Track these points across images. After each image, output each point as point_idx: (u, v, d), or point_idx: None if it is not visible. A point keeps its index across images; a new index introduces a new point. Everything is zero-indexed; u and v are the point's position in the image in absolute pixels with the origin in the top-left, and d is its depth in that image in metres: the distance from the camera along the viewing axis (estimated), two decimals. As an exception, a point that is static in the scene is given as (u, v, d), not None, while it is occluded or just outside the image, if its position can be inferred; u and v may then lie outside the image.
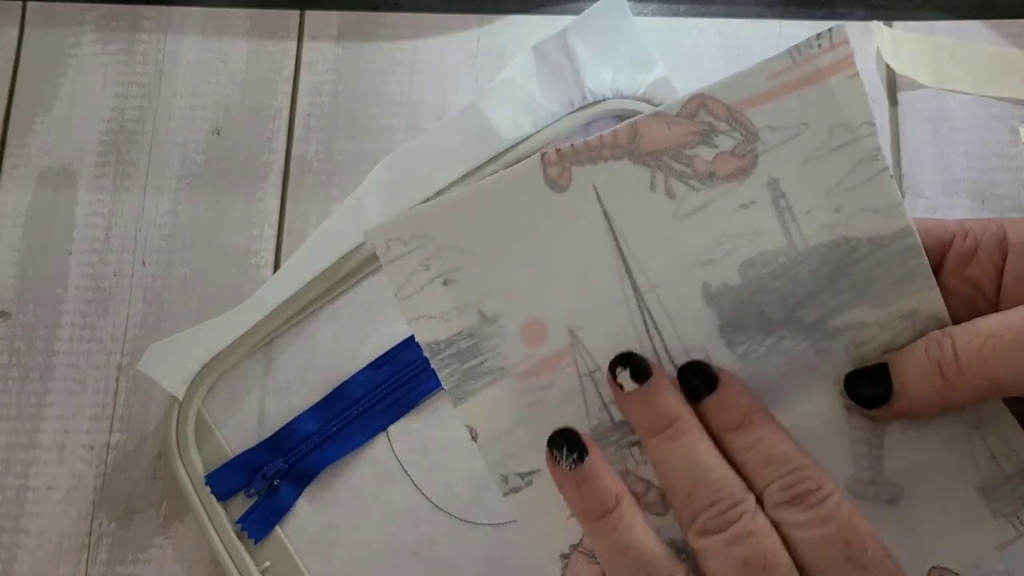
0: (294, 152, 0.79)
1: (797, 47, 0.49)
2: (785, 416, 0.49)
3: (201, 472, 0.71)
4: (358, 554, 0.71)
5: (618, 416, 0.51)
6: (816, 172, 0.50)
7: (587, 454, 0.49)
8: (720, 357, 0.51)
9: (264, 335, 0.73)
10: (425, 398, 0.73)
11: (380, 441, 0.72)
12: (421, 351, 0.51)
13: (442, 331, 0.50)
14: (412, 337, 0.52)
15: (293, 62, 0.81)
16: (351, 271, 0.74)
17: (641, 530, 0.48)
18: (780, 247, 0.50)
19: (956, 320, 0.50)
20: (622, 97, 0.77)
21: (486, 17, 0.81)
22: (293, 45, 0.81)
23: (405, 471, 0.72)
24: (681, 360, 0.50)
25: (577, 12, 0.78)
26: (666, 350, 0.50)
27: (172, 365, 0.72)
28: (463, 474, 0.71)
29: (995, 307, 0.50)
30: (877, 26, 0.79)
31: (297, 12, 0.82)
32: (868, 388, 0.50)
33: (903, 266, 0.50)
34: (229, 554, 0.69)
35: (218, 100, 0.80)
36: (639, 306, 0.50)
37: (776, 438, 0.48)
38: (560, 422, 0.50)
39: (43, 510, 0.72)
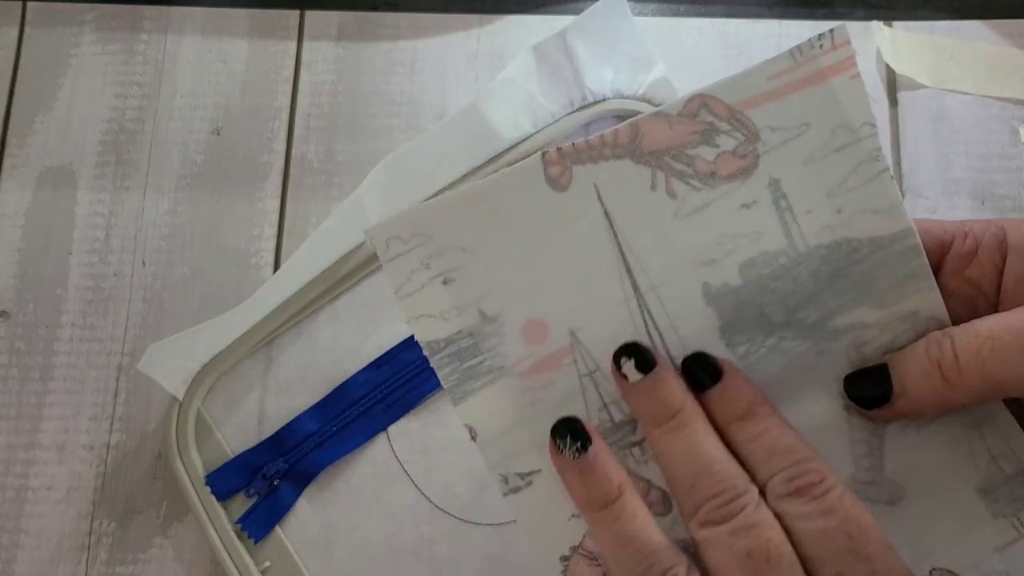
0: (294, 152, 0.79)
1: (799, 47, 0.49)
2: (785, 417, 0.49)
3: (201, 472, 0.71)
4: (358, 554, 0.71)
5: (618, 416, 0.51)
6: (817, 173, 0.50)
7: (590, 443, 0.49)
8: (720, 357, 0.51)
9: (264, 335, 0.73)
10: (425, 398, 0.73)
11: (380, 441, 0.72)
12: (421, 351, 0.51)
13: (442, 330, 0.50)
14: (412, 337, 0.52)
15: (293, 62, 0.81)
16: (351, 271, 0.74)
17: (644, 521, 0.48)
18: (781, 247, 0.50)
19: (956, 321, 0.50)
20: (622, 97, 0.77)
21: (486, 17, 0.81)
22: (293, 45, 0.81)
23: (405, 471, 0.72)
24: (681, 361, 0.50)
25: (577, 12, 0.78)
26: (666, 350, 0.50)
27: (172, 365, 0.72)
28: (463, 474, 0.71)
29: (995, 308, 0.51)
30: (877, 26, 0.79)
31: (297, 12, 0.82)
32: (868, 389, 0.50)
33: (903, 267, 0.50)
34: (229, 554, 0.69)
35: (218, 100, 0.80)
36: (639, 306, 0.50)
37: (779, 430, 0.48)
38: None
39: (43, 510, 0.72)
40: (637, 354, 0.49)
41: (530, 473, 0.51)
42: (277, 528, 0.71)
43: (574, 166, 0.50)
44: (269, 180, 0.78)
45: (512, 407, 0.50)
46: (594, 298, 0.50)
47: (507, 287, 0.50)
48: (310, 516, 0.71)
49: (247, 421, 0.73)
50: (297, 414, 0.73)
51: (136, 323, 0.76)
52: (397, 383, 0.73)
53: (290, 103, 0.80)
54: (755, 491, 0.46)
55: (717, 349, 0.51)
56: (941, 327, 0.50)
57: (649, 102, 0.76)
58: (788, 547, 0.44)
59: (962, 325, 0.49)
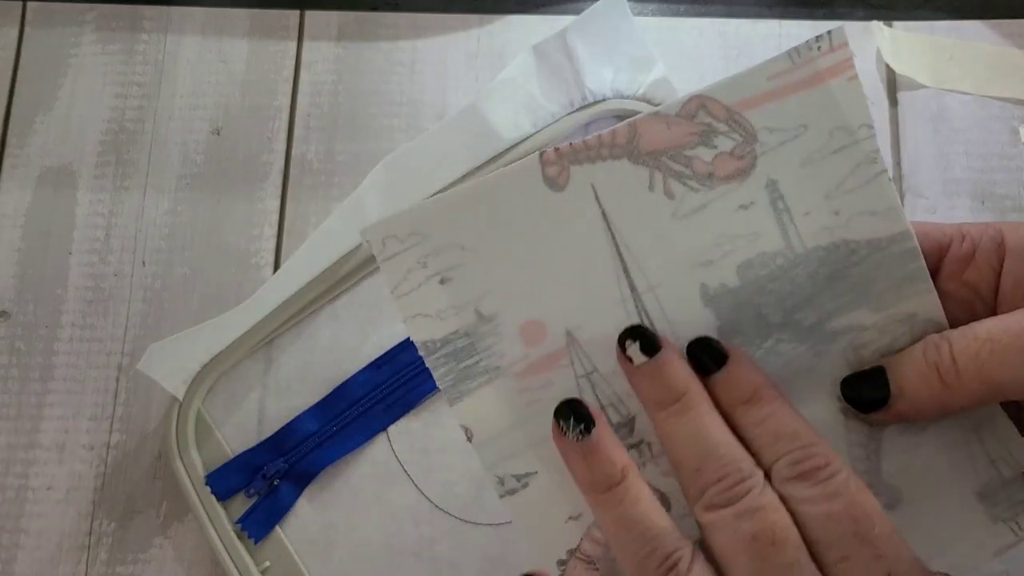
0: (294, 152, 0.79)
1: (797, 49, 0.49)
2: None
3: (201, 472, 0.71)
4: (358, 554, 0.71)
5: (616, 418, 0.51)
6: (815, 174, 0.50)
7: (594, 426, 0.48)
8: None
9: (264, 335, 0.73)
10: (425, 398, 0.73)
11: (380, 441, 0.72)
12: (420, 351, 0.51)
13: (438, 330, 0.50)
14: (412, 337, 0.52)
15: (293, 62, 0.81)
16: (351, 271, 0.74)
17: (648, 504, 0.47)
18: (778, 249, 0.50)
19: (954, 324, 0.50)
20: (622, 97, 0.77)
21: (486, 17, 0.81)
22: (293, 45, 0.81)
23: (405, 471, 0.72)
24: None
25: (577, 12, 0.78)
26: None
27: (172, 365, 0.72)
28: (463, 474, 0.71)
29: (992, 311, 0.50)
30: (877, 26, 0.78)
31: (297, 12, 0.82)
32: (866, 391, 0.50)
33: (901, 269, 0.50)
34: (229, 554, 0.69)
35: (218, 100, 0.80)
36: (637, 307, 0.50)
37: (785, 414, 0.48)
38: None
39: (43, 510, 0.72)
40: (642, 337, 0.49)
41: (526, 475, 0.51)
42: (277, 528, 0.71)
43: (572, 166, 0.50)
44: (269, 180, 0.78)
45: (509, 408, 0.50)
46: (591, 298, 0.50)
47: (504, 287, 0.50)
48: (310, 516, 0.71)
49: (247, 421, 0.73)
50: (297, 414, 0.73)
51: (136, 323, 0.76)
52: (397, 383, 0.73)
53: (290, 103, 0.80)
54: (760, 474, 0.46)
55: (715, 350, 0.51)
56: (939, 330, 0.50)
57: (649, 102, 0.76)
58: (794, 530, 0.44)
59: (960, 328, 0.49)
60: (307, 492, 0.72)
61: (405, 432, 0.72)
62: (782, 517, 0.45)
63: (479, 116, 0.75)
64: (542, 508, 0.51)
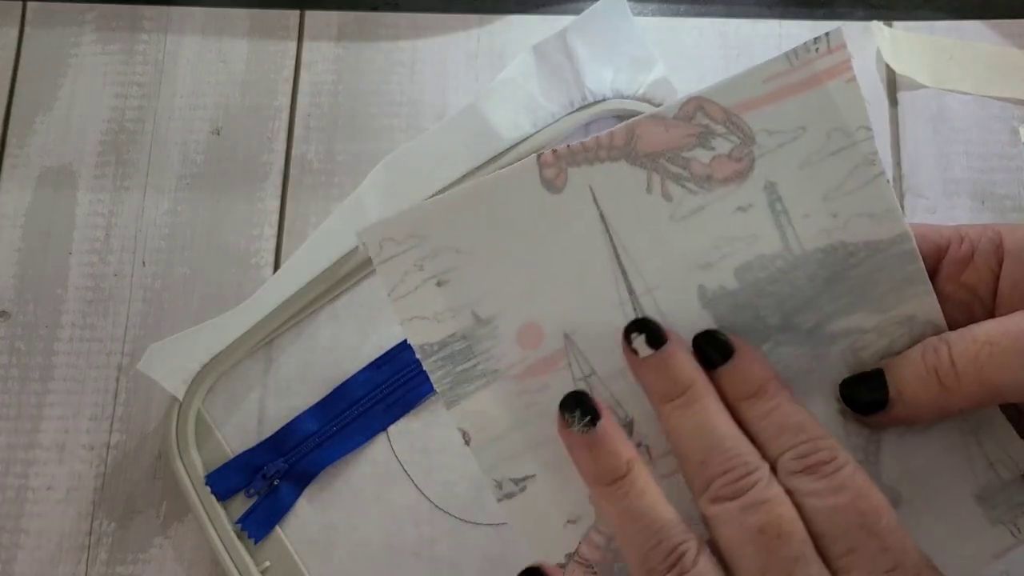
0: (294, 152, 0.79)
1: (794, 51, 0.49)
2: None
3: (201, 472, 0.71)
4: (358, 554, 0.71)
5: (615, 420, 0.51)
6: (813, 176, 0.50)
7: (600, 418, 0.48)
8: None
9: (264, 335, 0.73)
10: (425, 398, 0.73)
11: (380, 441, 0.72)
12: (419, 353, 0.51)
13: (435, 333, 0.50)
14: (410, 338, 0.52)
15: (293, 62, 0.81)
16: (351, 271, 0.74)
17: (653, 496, 0.47)
18: (777, 251, 0.50)
19: (952, 326, 0.50)
20: (622, 97, 0.77)
21: (486, 17, 0.81)
22: (293, 45, 0.81)
23: (405, 471, 0.72)
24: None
25: (577, 12, 0.78)
26: (662, 354, 0.50)
27: (172, 365, 0.72)
28: (463, 474, 0.71)
29: (991, 313, 0.50)
30: (877, 26, 0.78)
31: (297, 12, 0.82)
32: (865, 394, 0.50)
33: (900, 271, 0.50)
34: (229, 554, 0.69)
35: (218, 100, 0.80)
36: (635, 309, 0.50)
37: (791, 408, 0.48)
38: (554, 427, 0.50)
39: (43, 510, 0.72)
40: (648, 329, 0.49)
41: (524, 478, 0.51)
42: (277, 528, 0.71)
43: (569, 168, 0.49)
44: (269, 180, 0.78)
45: (506, 411, 0.50)
46: (589, 301, 0.50)
47: (502, 290, 0.50)
48: (310, 516, 0.71)
49: (247, 421, 0.73)
50: (297, 414, 0.73)
51: (136, 323, 0.76)
52: (397, 383, 0.73)
53: (290, 103, 0.80)
54: (766, 467, 0.46)
55: (713, 352, 0.51)
56: (937, 332, 0.50)
57: (649, 102, 0.76)
58: (800, 523, 0.44)
59: (959, 330, 0.49)
60: (307, 492, 0.72)
61: (405, 432, 0.72)
62: (788, 510, 0.45)
63: (479, 116, 0.75)
64: (540, 512, 0.51)
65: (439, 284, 0.50)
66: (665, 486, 0.50)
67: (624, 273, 0.50)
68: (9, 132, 0.80)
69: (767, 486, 0.45)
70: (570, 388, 0.50)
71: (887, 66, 0.78)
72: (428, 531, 0.71)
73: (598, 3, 0.77)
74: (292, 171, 0.78)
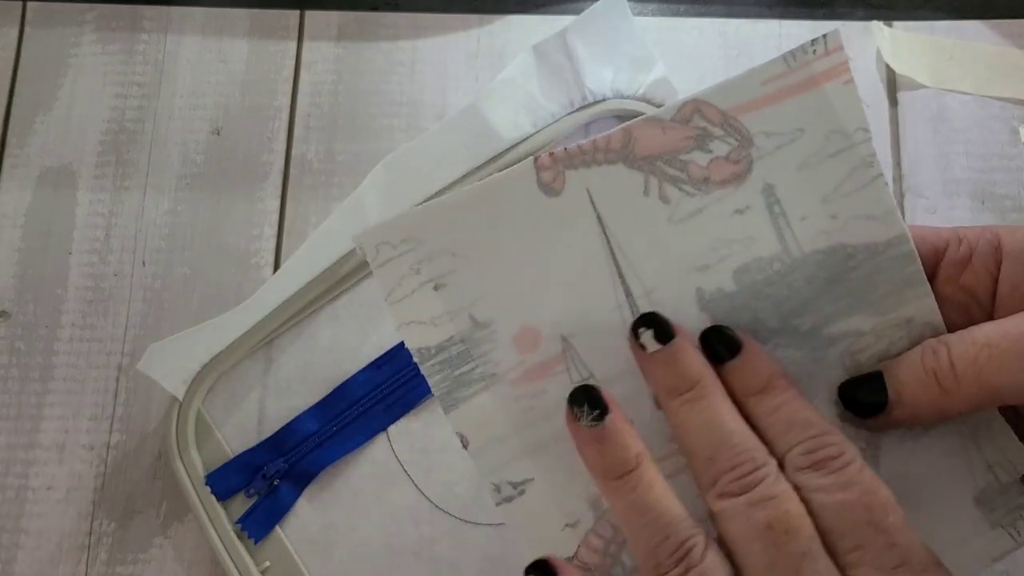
0: (294, 152, 0.79)
1: (792, 53, 0.49)
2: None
3: (201, 472, 0.71)
4: (358, 554, 0.71)
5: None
6: (811, 178, 0.50)
7: (608, 412, 0.48)
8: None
9: (264, 335, 0.73)
10: (425, 398, 0.73)
11: (380, 441, 0.72)
12: (417, 355, 0.51)
13: (432, 336, 0.50)
14: (408, 341, 0.52)
15: (293, 62, 0.81)
16: (351, 271, 0.74)
17: (661, 491, 0.47)
18: (775, 253, 0.50)
19: (951, 328, 0.50)
20: (622, 97, 0.76)
21: (486, 17, 0.81)
22: (293, 45, 0.81)
23: (405, 471, 0.72)
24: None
25: (577, 12, 0.78)
26: (660, 357, 0.50)
27: (172, 365, 0.72)
28: (463, 474, 0.71)
29: (990, 315, 0.50)
30: (877, 26, 0.78)
31: (297, 12, 0.82)
32: (864, 396, 0.50)
33: (899, 273, 0.50)
34: (229, 554, 0.69)
35: (218, 100, 0.80)
36: (632, 312, 0.50)
37: (798, 404, 0.48)
38: (553, 430, 0.50)
39: (43, 510, 0.72)
40: (656, 324, 0.49)
41: (523, 482, 0.51)
42: (277, 528, 0.71)
43: (567, 171, 0.49)
44: (269, 180, 0.78)
45: (504, 415, 0.50)
46: (587, 304, 0.50)
47: (499, 293, 0.50)
48: (310, 516, 0.71)
49: (247, 421, 0.73)
50: (297, 414, 0.73)
51: (136, 323, 0.76)
52: (397, 383, 0.73)
53: (290, 103, 0.80)
54: (774, 463, 0.46)
55: (711, 355, 0.51)
56: (936, 334, 0.50)
57: (649, 102, 0.76)
58: (807, 519, 0.44)
59: (958, 332, 0.49)
60: (307, 492, 0.72)
61: (405, 432, 0.72)
62: (796, 506, 0.45)
63: (479, 116, 0.75)
64: (539, 515, 0.51)
65: (436, 288, 0.50)
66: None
67: (621, 276, 0.50)
68: (9, 132, 0.80)
69: (775, 482, 0.45)
70: (568, 392, 0.50)
71: (887, 66, 0.78)
72: (428, 531, 0.71)
73: (598, 3, 0.76)
74: (292, 171, 0.78)
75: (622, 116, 0.76)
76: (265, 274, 0.76)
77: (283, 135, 0.79)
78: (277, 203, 0.77)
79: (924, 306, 0.50)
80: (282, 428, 0.72)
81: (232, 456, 0.72)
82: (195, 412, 0.72)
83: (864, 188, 0.50)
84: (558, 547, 0.50)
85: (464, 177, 0.75)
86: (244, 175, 0.78)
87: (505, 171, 0.50)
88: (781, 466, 0.46)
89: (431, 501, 0.71)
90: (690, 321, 0.50)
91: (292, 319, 0.74)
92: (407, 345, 0.50)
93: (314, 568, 0.70)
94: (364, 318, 0.74)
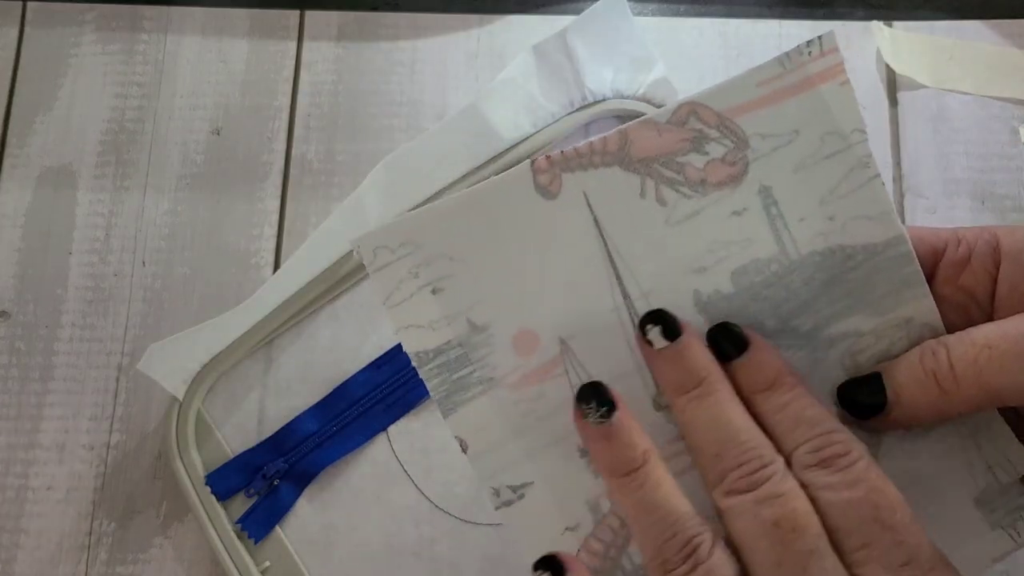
0: (294, 152, 0.79)
1: (787, 54, 0.49)
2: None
3: (201, 472, 0.71)
4: (358, 554, 0.71)
5: (612, 424, 0.51)
6: (808, 180, 0.50)
7: (616, 409, 0.48)
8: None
9: (264, 335, 0.73)
10: (425, 398, 0.73)
11: (380, 441, 0.72)
12: (416, 356, 0.51)
13: (431, 340, 0.50)
14: (410, 340, 0.52)
15: (293, 62, 0.81)
16: (351, 271, 0.74)
17: (669, 489, 0.47)
18: (772, 255, 0.50)
19: (950, 328, 0.50)
20: (622, 97, 0.76)
21: (486, 17, 0.81)
22: (293, 45, 0.81)
23: (405, 471, 0.72)
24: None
25: (577, 12, 0.78)
26: (658, 359, 0.50)
27: (172, 365, 0.72)
28: (463, 474, 0.72)
29: (989, 316, 0.50)
30: (877, 26, 0.78)
31: (297, 12, 0.82)
32: (863, 397, 0.50)
33: (897, 274, 0.50)
34: (229, 554, 0.69)
35: (218, 100, 0.80)
36: (630, 314, 0.50)
37: (806, 401, 0.48)
38: (552, 434, 0.50)
39: (43, 510, 0.72)
40: (663, 321, 0.49)
41: (522, 486, 0.50)
42: (277, 528, 0.71)
43: (563, 174, 0.49)
44: (269, 180, 0.78)
45: (503, 419, 0.50)
46: (584, 307, 0.50)
47: (497, 296, 0.50)
48: (310, 516, 0.71)
49: (247, 421, 0.73)
50: (297, 414, 0.73)
51: (136, 323, 0.76)
52: (397, 383, 0.73)
53: (290, 103, 0.80)
54: (781, 461, 0.46)
55: (709, 356, 0.50)
56: (935, 335, 0.50)
57: (649, 102, 0.76)
58: (815, 517, 0.44)
59: (957, 333, 0.49)
60: (307, 492, 0.72)
61: (405, 432, 0.72)
62: (803, 504, 0.45)
63: (479, 116, 0.75)
64: (538, 519, 0.51)
65: (434, 292, 0.50)
66: None
67: (619, 278, 0.50)
68: (9, 132, 0.80)
69: (782, 479, 0.45)
70: (567, 395, 0.50)
71: (887, 66, 0.78)
72: (428, 531, 0.71)
73: (598, 3, 0.76)
74: (292, 171, 0.78)
75: (622, 116, 0.76)
76: (265, 274, 0.76)
77: (283, 135, 0.79)
78: (277, 203, 0.77)
79: (923, 307, 0.50)
80: (282, 428, 0.72)
81: (232, 456, 0.72)
82: (195, 412, 0.72)
83: (861, 189, 0.50)
84: (558, 551, 0.50)
85: (464, 177, 0.75)
86: (244, 175, 0.78)
87: (501, 175, 0.50)
88: (788, 463, 0.46)
89: (431, 501, 0.71)
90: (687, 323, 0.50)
91: (292, 319, 0.74)
92: (405, 349, 0.50)
93: (314, 568, 0.70)
94: (364, 318, 0.74)
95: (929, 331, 0.51)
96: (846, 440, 0.46)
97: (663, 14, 0.81)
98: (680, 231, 0.50)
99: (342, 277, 0.74)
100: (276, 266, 0.76)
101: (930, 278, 0.51)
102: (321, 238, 0.74)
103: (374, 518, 0.71)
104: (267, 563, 0.70)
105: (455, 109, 0.78)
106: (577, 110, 0.76)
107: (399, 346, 0.73)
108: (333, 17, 0.82)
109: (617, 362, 0.50)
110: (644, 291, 0.50)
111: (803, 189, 0.50)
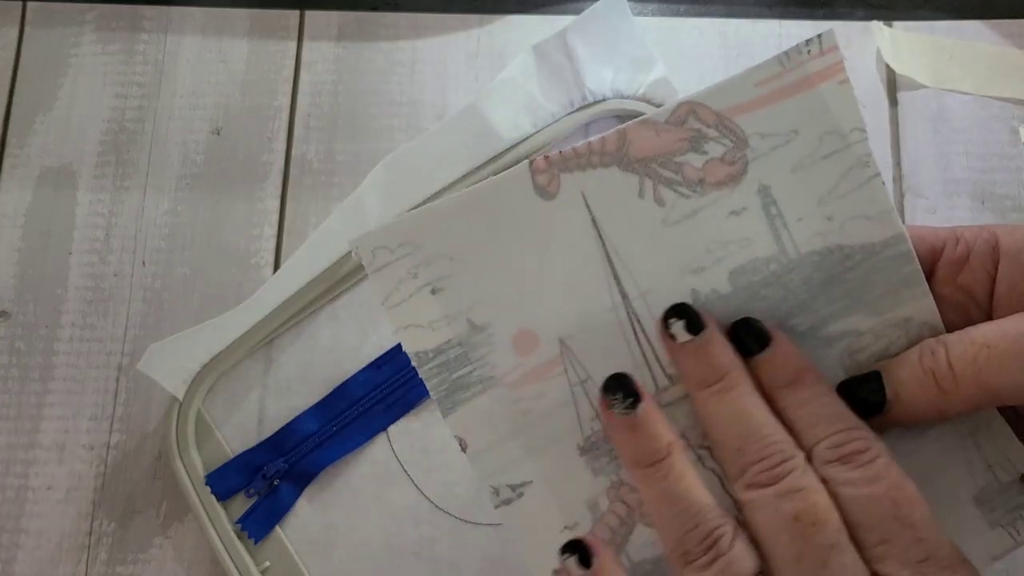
0: (294, 152, 0.79)
1: (786, 53, 0.49)
2: None
3: (201, 472, 0.71)
4: (358, 554, 0.71)
5: (611, 425, 0.51)
6: (807, 179, 0.49)
7: (641, 400, 0.48)
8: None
9: (264, 335, 0.73)
10: (425, 398, 0.73)
11: (380, 441, 0.72)
12: (416, 357, 0.51)
13: (430, 340, 0.50)
14: (409, 340, 0.52)
15: (293, 62, 0.81)
16: (351, 271, 0.74)
17: (691, 480, 0.48)
18: (771, 254, 0.50)
19: (949, 328, 0.50)
20: (622, 97, 0.76)
21: (486, 17, 0.81)
22: (293, 45, 0.81)
23: (405, 471, 0.72)
24: (672, 368, 0.50)
25: (577, 12, 0.78)
26: (656, 357, 0.50)
27: (172, 365, 0.72)
28: (463, 474, 0.72)
29: (988, 314, 0.50)
30: (877, 26, 0.78)
31: (297, 12, 0.82)
32: (862, 396, 0.49)
33: (896, 273, 0.50)
34: (229, 554, 0.69)
35: (218, 100, 0.80)
36: (628, 313, 0.50)
37: (827, 399, 0.48)
38: (551, 433, 0.50)
39: (43, 510, 0.72)
40: (687, 315, 0.49)
41: (521, 485, 0.51)
42: (277, 528, 0.71)
43: (562, 174, 0.49)
44: (269, 180, 0.78)
45: (503, 418, 0.50)
46: (583, 306, 0.50)
47: (496, 296, 0.50)
48: (310, 516, 0.71)
49: (247, 421, 0.73)
50: (297, 414, 0.73)
51: (136, 323, 0.76)
52: (397, 383, 0.73)
53: (290, 103, 0.80)
54: (802, 455, 0.46)
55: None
56: (935, 334, 0.50)
57: (649, 102, 0.76)
58: (835, 512, 0.45)
59: (956, 333, 0.49)
60: (307, 492, 0.72)
61: (405, 432, 0.72)
62: (823, 498, 0.45)
63: (479, 116, 0.75)
64: (537, 518, 0.51)
65: (433, 292, 0.50)
66: None
67: (617, 278, 0.50)
68: (9, 132, 0.80)
69: (803, 474, 0.46)
70: (566, 394, 0.50)
71: (887, 66, 0.78)
72: (428, 531, 0.71)
73: (598, 3, 0.76)
74: (292, 171, 0.78)
75: (622, 116, 0.76)
76: (265, 274, 0.76)
77: (283, 135, 0.79)
78: (277, 203, 0.77)
79: (922, 306, 0.50)
80: (282, 428, 0.72)
81: (232, 456, 0.72)
82: (195, 412, 0.72)
83: (860, 188, 0.49)
84: (556, 549, 0.50)
85: (464, 177, 0.75)
86: (244, 175, 0.78)
87: (500, 175, 0.50)
88: (808, 459, 0.47)
89: (431, 501, 0.71)
90: None
91: (292, 319, 0.74)
92: (405, 349, 0.50)
93: (314, 568, 0.70)
94: (364, 318, 0.74)
95: (928, 330, 0.51)
96: (867, 437, 0.46)
97: (663, 14, 0.81)
98: (678, 231, 0.50)
99: (342, 277, 0.74)
100: (276, 266, 0.76)
101: (929, 277, 0.51)
102: (321, 238, 0.74)
103: (374, 518, 0.71)
104: (267, 563, 0.70)
105: (455, 109, 0.78)
106: (577, 110, 0.76)
107: (399, 346, 0.73)
108: (333, 17, 0.82)
109: (616, 361, 0.50)
110: (642, 291, 0.50)
111: (802, 189, 0.49)
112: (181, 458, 0.71)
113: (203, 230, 0.77)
